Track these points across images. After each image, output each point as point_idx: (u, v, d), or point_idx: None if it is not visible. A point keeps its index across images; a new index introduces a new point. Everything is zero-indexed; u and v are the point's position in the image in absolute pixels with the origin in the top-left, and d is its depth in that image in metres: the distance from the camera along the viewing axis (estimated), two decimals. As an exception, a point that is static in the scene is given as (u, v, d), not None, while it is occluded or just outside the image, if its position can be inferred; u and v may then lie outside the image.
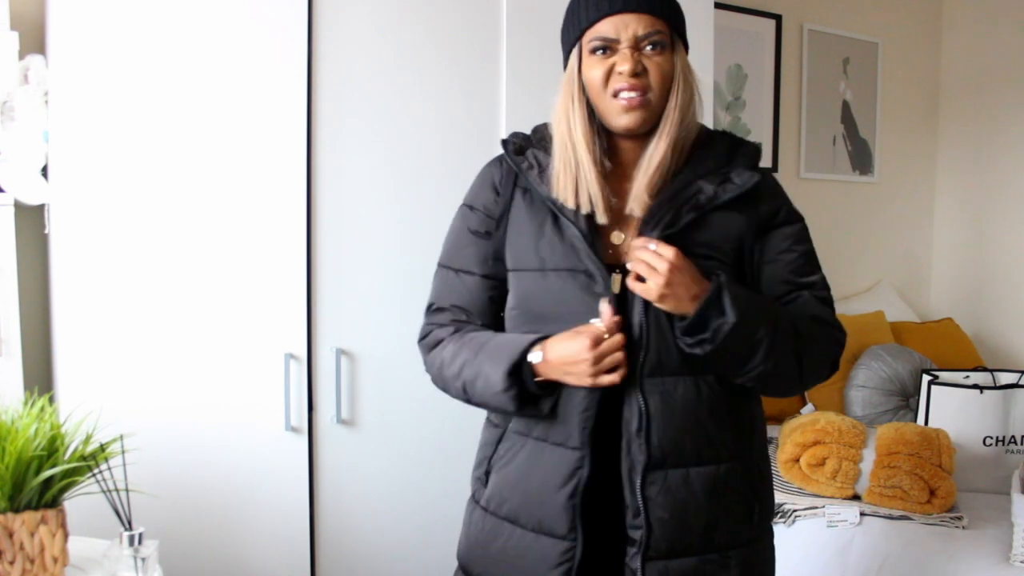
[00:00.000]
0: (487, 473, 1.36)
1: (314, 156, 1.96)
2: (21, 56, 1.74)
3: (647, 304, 1.22)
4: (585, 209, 1.26)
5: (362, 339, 2.03)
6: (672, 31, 1.25)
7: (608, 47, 1.23)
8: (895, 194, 3.83)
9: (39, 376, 1.82)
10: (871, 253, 3.75)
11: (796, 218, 1.34)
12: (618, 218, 1.29)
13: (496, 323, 1.37)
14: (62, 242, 1.73)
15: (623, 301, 1.24)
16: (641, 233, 1.25)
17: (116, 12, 1.75)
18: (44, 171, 1.75)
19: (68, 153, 1.73)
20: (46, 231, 1.76)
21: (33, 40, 1.80)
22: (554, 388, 1.25)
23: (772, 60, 3.32)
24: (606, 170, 1.28)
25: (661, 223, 1.23)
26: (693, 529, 1.25)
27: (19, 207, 1.73)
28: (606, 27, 1.23)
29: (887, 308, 3.46)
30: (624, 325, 1.23)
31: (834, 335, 1.31)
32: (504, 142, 1.36)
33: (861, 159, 3.68)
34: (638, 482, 1.23)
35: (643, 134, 1.27)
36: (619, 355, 1.20)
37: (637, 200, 1.26)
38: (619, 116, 1.24)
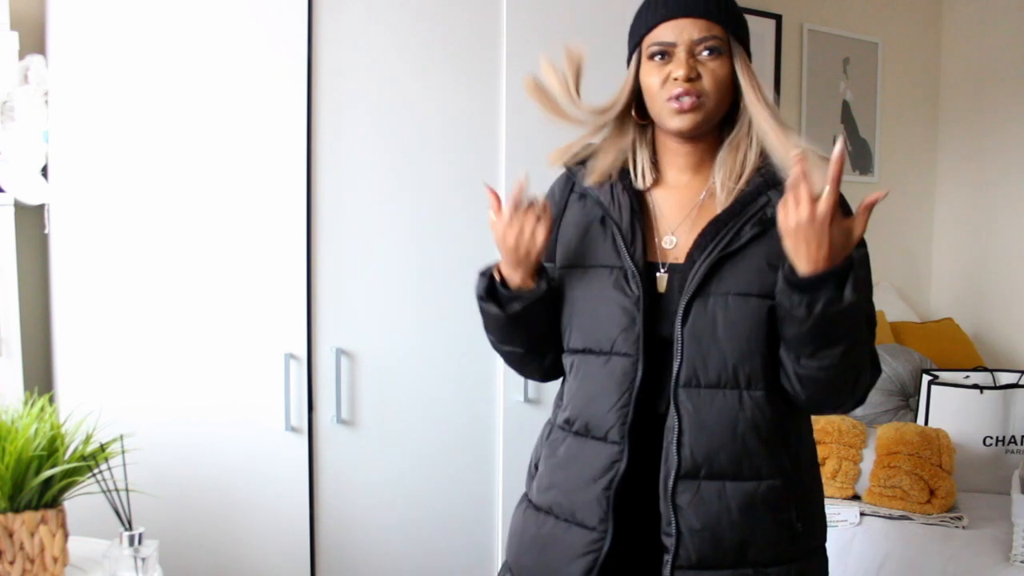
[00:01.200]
0: (535, 466, 1.39)
1: (314, 156, 1.96)
2: (21, 56, 1.74)
3: (685, 314, 1.23)
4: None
5: (362, 339, 2.03)
6: (730, 36, 1.26)
7: (666, 52, 1.26)
8: (895, 194, 3.82)
9: (39, 376, 1.82)
10: (871, 253, 3.72)
11: (862, 243, 1.32)
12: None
13: (557, 317, 1.39)
14: (62, 242, 1.73)
15: (660, 304, 1.25)
16: (695, 250, 1.26)
17: (116, 12, 1.75)
18: (44, 171, 1.75)
19: (68, 153, 1.73)
20: (46, 231, 1.76)
21: (33, 40, 1.80)
22: (520, 293, 1.30)
23: (772, 60, 3.31)
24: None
25: (723, 242, 1.24)
26: (726, 543, 1.24)
27: (19, 207, 1.73)
28: (664, 32, 1.25)
29: (887, 308, 3.45)
30: (663, 333, 1.25)
31: (872, 373, 1.29)
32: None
33: (861, 159, 3.68)
34: (670, 489, 1.23)
35: (696, 137, 1.29)
36: (500, 228, 1.27)
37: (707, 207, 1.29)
38: (672, 119, 1.26)
